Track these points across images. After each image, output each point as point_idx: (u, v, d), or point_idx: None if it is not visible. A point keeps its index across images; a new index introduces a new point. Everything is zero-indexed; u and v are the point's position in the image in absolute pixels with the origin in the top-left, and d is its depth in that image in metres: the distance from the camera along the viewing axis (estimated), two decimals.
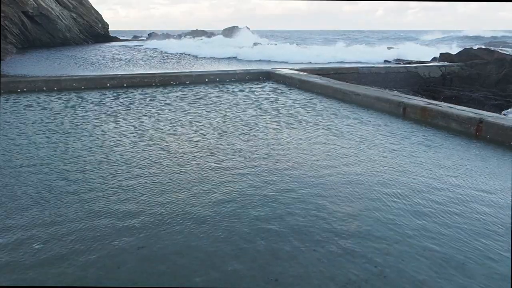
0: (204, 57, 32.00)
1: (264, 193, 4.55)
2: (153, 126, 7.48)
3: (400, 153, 5.93)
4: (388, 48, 34.86)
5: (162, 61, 28.64)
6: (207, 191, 4.61)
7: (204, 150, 6.09)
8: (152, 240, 3.60)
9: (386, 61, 27.11)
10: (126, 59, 29.44)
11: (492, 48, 22.46)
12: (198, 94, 10.97)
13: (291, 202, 4.32)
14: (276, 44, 42.83)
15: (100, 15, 59.95)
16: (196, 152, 6.02)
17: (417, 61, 22.88)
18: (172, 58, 30.94)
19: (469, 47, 22.98)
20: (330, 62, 26.68)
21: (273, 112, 8.61)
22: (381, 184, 4.78)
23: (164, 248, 3.48)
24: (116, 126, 7.44)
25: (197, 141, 6.57)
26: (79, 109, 8.96)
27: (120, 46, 46.92)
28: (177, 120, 7.93)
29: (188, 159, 5.71)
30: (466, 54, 19.50)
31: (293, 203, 4.29)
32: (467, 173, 5.17)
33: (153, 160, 5.67)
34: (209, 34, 60.94)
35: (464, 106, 8.45)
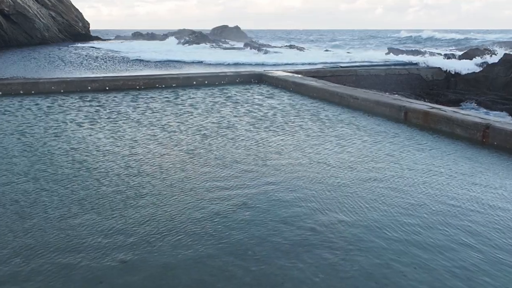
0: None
1: (253, 204, 4.53)
2: (136, 132, 7.44)
3: (400, 161, 5.92)
4: None
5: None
6: (193, 201, 4.58)
7: (188, 159, 6.05)
8: (136, 254, 3.56)
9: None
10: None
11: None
12: (184, 98, 10.95)
13: (282, 214, 4.30)
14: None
15: (81, 13, 59.97)
16: (179, 160, 5.99)
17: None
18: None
19: (475, 47, 23.11)
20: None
21: (261, 116, 8.62)
22: (385, 191, 4.78)
23: (149, 262, 3.44)
24: (97, 133, 7.38)
25: (182, 149, 6.53)
26: (57, 114, 8.89)
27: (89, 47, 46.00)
28: (159, 125, 7.89)
29: (170, 167, 5.68)
30: (470, 55, 19.59)
31: (285, 215, 4.27)
32: (473, 183, 5.17)
33: (135, 168, 5.62)
34: (197, 33, 60.84)
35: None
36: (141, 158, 6.06)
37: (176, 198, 4.68)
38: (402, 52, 41.67)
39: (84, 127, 7.77)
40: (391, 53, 33.75)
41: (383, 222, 4.12)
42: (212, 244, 3.72)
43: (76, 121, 8.22)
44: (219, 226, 4.04)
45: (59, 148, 6.52)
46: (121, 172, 5.51)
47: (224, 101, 10.48)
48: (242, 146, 6.67)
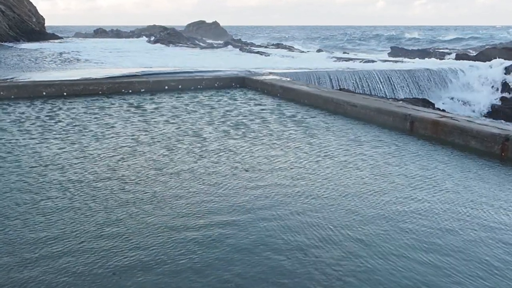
0: None
1: (231, 231, 4.45)
2: (94, 145, 7.34)
3: (406, 180, 5.88)
4: None
5: None
6: (164, 220, 4.53)
7: (153, 175, 5.97)
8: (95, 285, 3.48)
9: None
10: None
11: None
12: (152, 105, 10.87)
13: (265, 238, 4.24)
14: None
15: (35, 7, 59.64)
16: (144, 176, 5.91)
17: None
18: None
19: (492, 46, 23.34)
20: None
21: (240, 126, 8.57)
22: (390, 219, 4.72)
23: None
24: (51, 147, 7.25)
25: (147, 164, 6.44)
26: (5, 123, 8.74)
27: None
28: (121, 137, 7.80)
29: (134, 184, 5.61)
30: (486, 56, 19.77)
31: (271, 237, 4.22)
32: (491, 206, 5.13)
33: (99, 187, 5.52)
34: (170, 30, 60.89)
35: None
36: (99, 173, 5.98)
37: (138, 225, 4.57)
38: (407, 52, 42.01)
39: (36, 140, 7.62)
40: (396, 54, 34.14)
41: (373, 249, 4.09)
42: (179, 275, 3.64)
43: (26, 133, 8.06)
44: (195, 247, 3.96)
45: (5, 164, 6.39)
46: (72, 188, 5.45)
47: (200, 109, 10.42)
48: (213, 161, 6.62)
